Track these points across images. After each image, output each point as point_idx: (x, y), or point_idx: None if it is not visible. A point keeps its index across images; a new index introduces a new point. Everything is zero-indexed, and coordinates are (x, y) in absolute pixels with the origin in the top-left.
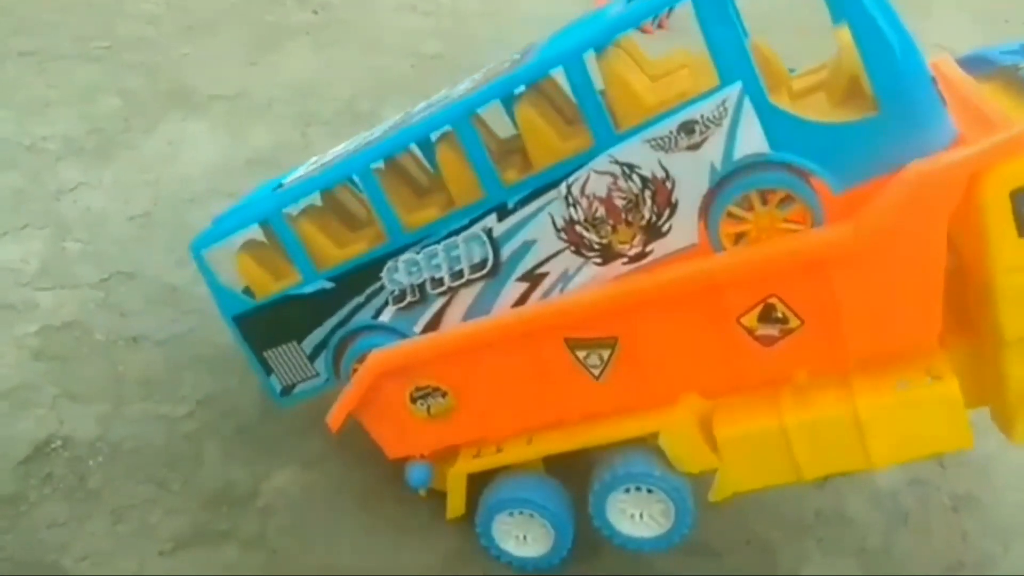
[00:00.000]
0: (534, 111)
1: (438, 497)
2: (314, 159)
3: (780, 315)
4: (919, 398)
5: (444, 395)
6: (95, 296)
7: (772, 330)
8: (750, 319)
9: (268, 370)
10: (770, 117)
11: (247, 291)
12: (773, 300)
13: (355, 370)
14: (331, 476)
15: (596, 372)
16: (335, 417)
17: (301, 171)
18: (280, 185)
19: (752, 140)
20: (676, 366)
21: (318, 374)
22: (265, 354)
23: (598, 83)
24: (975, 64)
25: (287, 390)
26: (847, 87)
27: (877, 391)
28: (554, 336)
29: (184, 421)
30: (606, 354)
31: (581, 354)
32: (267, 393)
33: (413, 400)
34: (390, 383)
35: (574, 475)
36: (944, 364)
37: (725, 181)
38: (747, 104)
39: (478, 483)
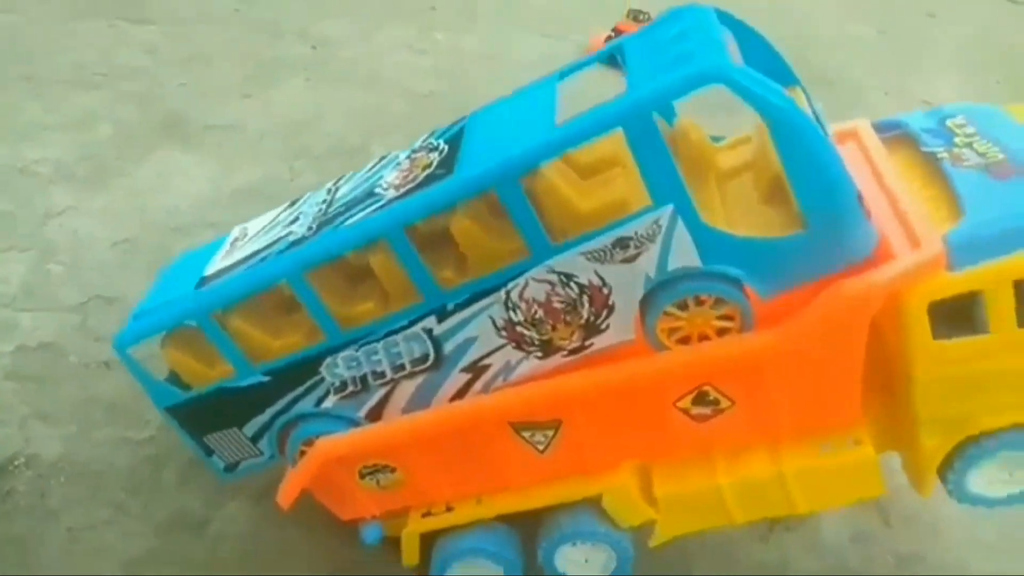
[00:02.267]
0: (470, 223)
1: (390, 543)
2: (238, 230)
3: (713, 399)
4: (840, 462)
5: (393, 471)
6: (73, 320)
7: (706, 410)
8: (685, 403)
9: (209, 452)
10: (702, 234)
11: (175, 380)
12: (707, 387)
13: (302, 452)
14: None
15: (541, 447)
16: (285, 497)
17: (225, 251)
18: (203, 279)
19: (685, 254)
20: (616, 441)
21: (262, 453)
22: (204, 439)
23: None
24: (892, 129)
25: (231, 467)
26: (773, 177)
27: (802, 455)
28: (500, 422)
29: (146, 445)
30: (551, 433)
31: (526, 434)
32: (211, 471)
33: (362, 476)
34: (338, 465)
35: (524, 522)
36: (863, 430)
37: (660, 288)
38: (679, 224)
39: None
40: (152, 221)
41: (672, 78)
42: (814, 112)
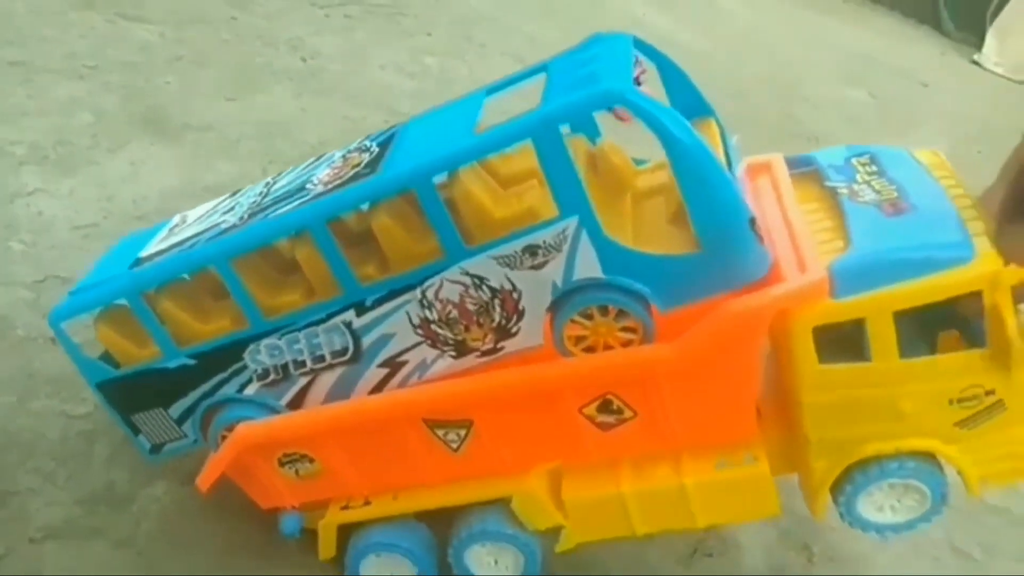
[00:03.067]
0: (389, 220)
1: (309, 534)
2: (178, 218)
3: (616, 407)
4: (736, 477)
5: (311, 461)
6: (26, 296)
7: (610, 418)
8: (590, 410)
9: (136, 431)
10: (604, 247)
11: (107, 358)
12: (610, 396)
13: (223, 437)
14: (211, 496)
15: (454, 446)
16: (204, 480)
17: (163, 235)
18: (138, 260)
19: (588, 265)
20: (527, 444)
21: (186, 436)
22: (132, 417)
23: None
24: (804, 165)
25: (156, 448)
26: (681, 201)
27: (701, 469)
28: (414, 418)
29: (81, 421)
30: (463, 432)
31: (440, 432)
32: (138, 450)
33: (281, 464)
34: (258, 452)
35: (441, 521)
36: (759, 447)
37: (566, 296)
38: (583, 235)
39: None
40: (118, 209)
41: (577, 96)
42: (725, 144)
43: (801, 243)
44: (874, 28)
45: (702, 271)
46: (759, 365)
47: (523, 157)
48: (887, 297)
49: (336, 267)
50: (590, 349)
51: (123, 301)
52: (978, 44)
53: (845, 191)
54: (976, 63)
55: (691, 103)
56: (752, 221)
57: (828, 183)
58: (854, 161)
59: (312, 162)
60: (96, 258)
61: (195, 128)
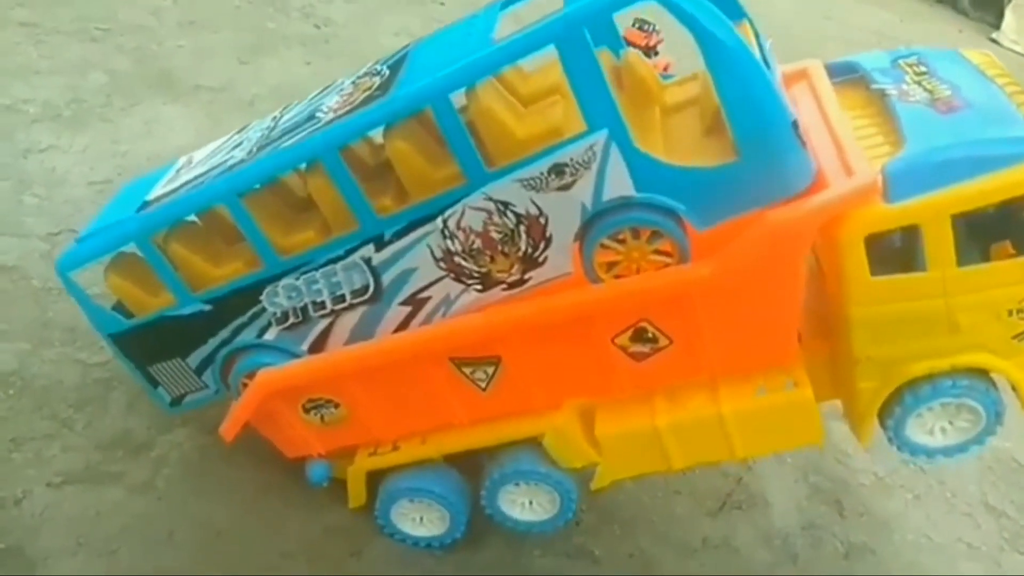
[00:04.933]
0: (405, 144)
1: (337, 482)
2: (184, 159)
3: (651, 335)
4: (778, 403)
5: (336, 406)
6: (41, 247)
7: (644, 348)
8: (623, 339)
9: (154, 383)
10: (636, 161)
11: (120, 308)
12: (644, 324)
13: (244, 384)
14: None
15: (482, 385)
16: (228, 429)
17: (169, 177)
18: (145, 203)
19: (620, 183)
20: (557, 379)
21: (207, 386)
22: (149, 369)
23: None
24: (845, 72)
25: (176, 401)
26: (716, 110)
27: (740, 396)
28: (440, 356)
29: (97, 368)
30: (491, 370)
31: (467, 370)
32: (156, 403)
33: (306, 411)
34: (281, 398)
35: (468, 462)
36: (801, 371)
37: (597, 218)
38: (614, 149)
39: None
40: (131, 165)
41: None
42: (760, 48)
43: (846, 148)
44: (891, 7)
45: (741, 182)
46: (802, 281)
47: (544, 74)
48: (945, 199)
49: (351, 198)
50: (622, 277)
51: (132, 247)
52: (995, 23)
53: (894, 92)
54: (994, 41)
55: (722, 7)
56: (794, 124)
57: (875, 85)
58: (901, 63)
59: (321, 91)
60: None
61: (208, 89)
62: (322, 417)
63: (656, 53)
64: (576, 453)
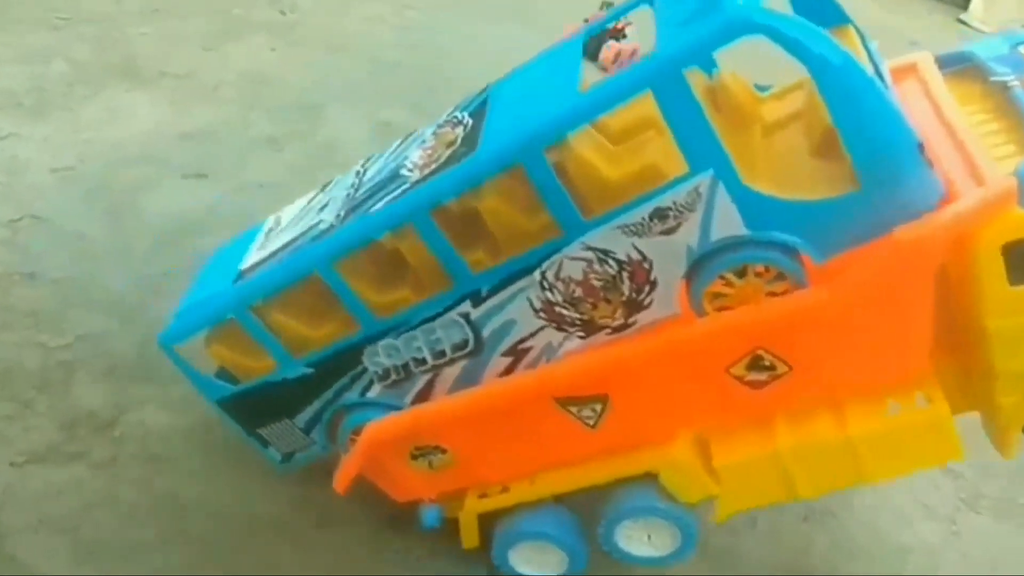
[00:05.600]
0: (496, 200)
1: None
2: (272, 220)
3: (768, 363)
4: (912, 421)
5: (444, 452)
6: (2, 233)
7: (761, 376)
8: (739, 369)
9: (264, 444)
10: (745, 200)
11: (223, 374)
12: (760, 352)
13: (352, 440)
14: (191, 419)
15: (591, 423)
16: (340, 482)
17: (260, 242)
18: (240, 272)
19: (729, 223)
20: (669, 412)
21: (315, 442)
22: (258, 431)
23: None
24: (958, 63)
25: (287, 458)
26: (825, 128)
27: (869, 417)
28: (544, 398)
29: (60, 351)
30: (599, 408)
31: (573, 409)
32: (269, 462)
33: (414, 457)
34: (388, 448)
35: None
36: (934, 386)
37: (705, 259)
38: (720, 190)
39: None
40: (95, 153)
41: (700, 33)
42: (868, 52)
43: (972, 152)
44: None
45: (863, 211)
46: (932, 297)
47: (633, 105)
48: None
49: (445, 258)
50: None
51: (231, 317)
52: (963, 3)
53: (1017, 83)
54: (962, 22)
55: (822, 9)
56: (920, 147)
57: (994, 77)
58: (1021, 49)
59: (400, 144)
60: (75, 200)
61: (172, 76)
62: (430, 463)
63: (624, 36)
64: (695, 486)
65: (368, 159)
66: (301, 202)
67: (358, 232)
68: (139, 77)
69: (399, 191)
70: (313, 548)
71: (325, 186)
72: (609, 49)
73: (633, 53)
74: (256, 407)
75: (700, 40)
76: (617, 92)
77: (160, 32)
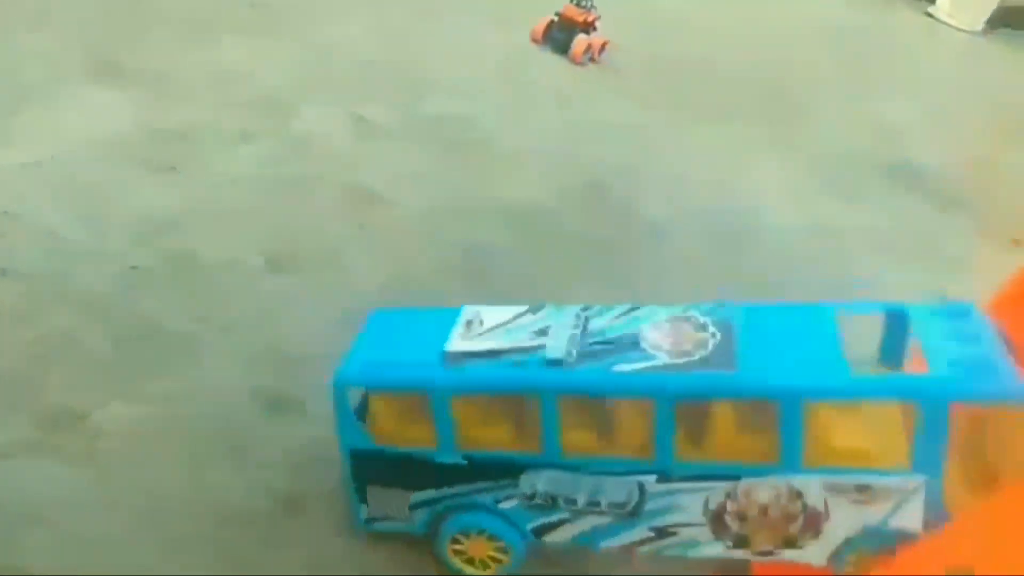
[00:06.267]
0: (728, 413)
1: (274, 445)
2: (471, 313)
3: None
4: None
5: None
6: None
7: None
8: None
9: (363, 499)
10: (935, 508)
11: (366, 423)
12: None
13: (453, 543)
14: (169, 414)
15: None
16: None
17: (462, 331)
18: (445, 354)
19: (911, 519)
20: None
21: (411, 521)
22: (368, 488)
23: None
24: None
25: (371, 521)
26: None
27: None
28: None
29: (33, 345)
30: None
31: None
32: (352, 514)
33: None
34: None
35: None
36: None
37: (873, 535)
38: (922, 494)
39: None
40: (67, 149)
41: (979, 386)
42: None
43: None
44: None
45: None
46: None
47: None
48: None
49: (662, 438)
50: None
51: (428, 394)
52: None
53: None
54: (929, 15)
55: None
56: None
57: None
58: None
59: (627, 310)
60: (45, 196)
61: (147, 75)
62: None
63: (595, 29)
64: None
65: (586, 307)
66: (507, 312)
67: (598, 383)
68: (114, 76)
69: (644, 364)
70: (289, 543)
71: (536, 309)
72: (579, 43)
73: (603, 47)
74: (387, 469)
75: (979, 394)
76: (886, 389)
77: (135, 31)
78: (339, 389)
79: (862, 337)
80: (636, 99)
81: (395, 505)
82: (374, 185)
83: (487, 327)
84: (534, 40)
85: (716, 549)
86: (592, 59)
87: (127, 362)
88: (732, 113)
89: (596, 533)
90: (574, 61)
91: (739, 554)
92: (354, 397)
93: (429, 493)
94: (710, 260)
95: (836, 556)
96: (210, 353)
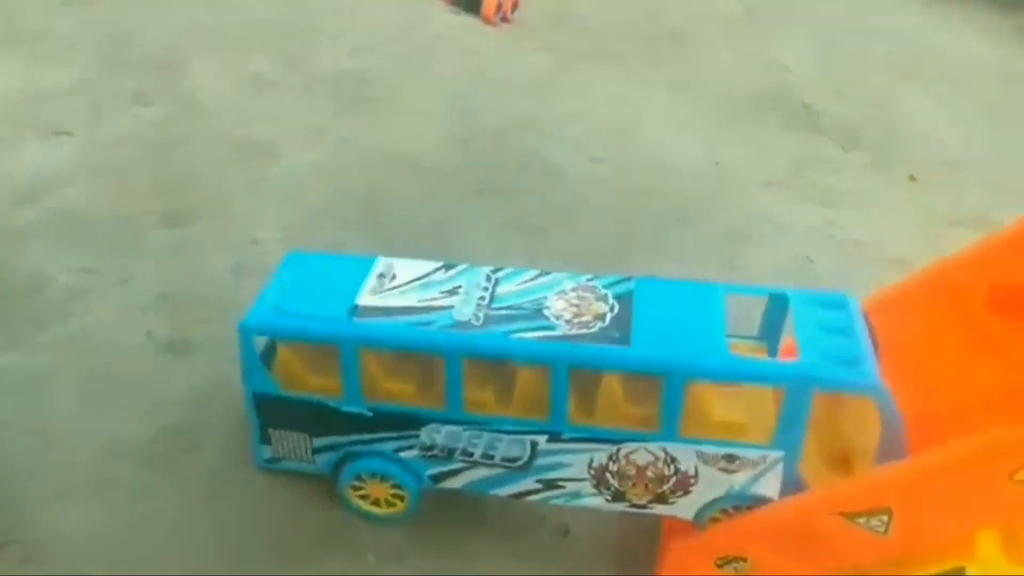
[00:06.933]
0: (617, 383)
1: (171, 385)
2: (383, 266)
3: None
4: None
5: (744, 560)
6: None
7: None
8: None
9: (266, 441)
10: (791, 479)
11: (271, 369)
12: None
13: (354, 485)
14: (62, 360)
15: (881, 531)
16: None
17: (373, 285)
18: (356, 307)
19: (769, 488)
20: (959, 518)
21: (313, 463)
22: (272, 430)
23: None
24: None
25: (274, 460)
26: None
27: None
28: (827, 514)
29: None
30: (885, 518)
31: (860, 520)
32: (253, 453)
33: (720, 566)
34: (697, 558)
35: None
36: None
37: (730, 497)
38: (780, 467)
39: None
40: None
41: (842, 377)
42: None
43: None
44: None
45: None
46: None
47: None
48: None
49: (556, 403)
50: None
51: (338, 346)
52: None
53: None
54: None
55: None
56: None
57: None
58: None
59: (533, 277)
60: None
61: (29, 35)
62: (735, 568)
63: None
64: None
65: (496, 269)
66: (421, 268)
67: (499, 348)
68: None
69: (544, 333)
70: (186, 477)
71: (450, 266)
72: (490, 2)
73: (515, 4)
74: (291, 414)
75: (841, 383)
76: (758, 374)
77: None
78: (246, 335)
79: (749, 313)
80: (541, 51)
81: (298, 448)
82: (270, 140)
83: (399, 282)
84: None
85: (596, 501)
86: (505, 18)
87: (16, 315)
88: (635, 61)
89: (488, 482)
90: (487, 21)
91: (616, 507)
92: (261, 342)
93: (333, 439)
94: (612, 202)
95: (700, 514)
96: (103, 303)
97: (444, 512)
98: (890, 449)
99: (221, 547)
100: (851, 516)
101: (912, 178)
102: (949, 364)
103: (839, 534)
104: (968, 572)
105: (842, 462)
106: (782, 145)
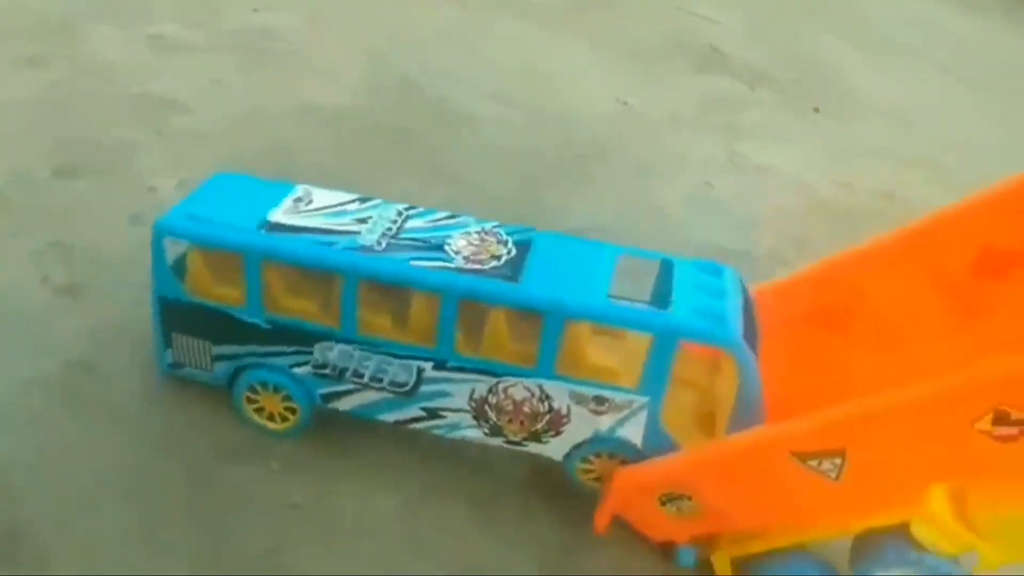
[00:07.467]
0: (504, 317)
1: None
2: (302, 191)
3: (1015, 419)
4: None
5: (689, 499)
6: None
7: (1011, 430)
8: (984, 424)
9: (169, 345)
10: (653, 428)
11: (176, 271)
12: (1004, 408)
13: (248, 397)
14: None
15: (832, 475)
16: (599, 523)
17: (288, 207)
18: (267, 222)
19: (633, 433)
20: (914, 466)
21: (211, 372)
22: (174, 335)
23: None
24: None
25: (176, 366)
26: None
27: None
28: (780, 453)
29: None
30: (838, 460)
31: (812, 463)
32: (156, 358)
33: (663, 503)
34: (639, 493)
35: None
36: None
37: (596, 440)
38: (644, 413)
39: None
40: None
41: (706, 330)
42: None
43: None
44: None
45: None
46: None
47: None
48: None
49: (444, 331)
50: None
51: (244, 256)
52: None
53: None
54: None
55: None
56: None
57: None
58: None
59: (445, 217)
60: None
61: None
62: (678, 508)
63: None
64: (950, 539)
65: (409, 208)
66: (337, 196)
67: (396, 273)
68: None
69: (441, 263)
70: (88, 404)
71: (364, 200)
72: None
73: None
74: (193, 319)
75: (703, 335)
76: (631, 320)
77: None
78: (158, 237)
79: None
80: (453, 3)
81: (198, 355)
82: (172, 94)
83: (314, 207)
84: None
85: (476, 434)
86: None
87: None
88: (548, 12)
89: (375, 407)
90: None
91: (494, 441)
92: (175, 248)
93: (232, 348)
94: (525, 145)
95: (569, 456)
96: None
97: (339, 423)
98: (746, 407)
99: (131, 465)
100: (804, 457)
101: (816, 110)
102: (925, 326)
103: (789, 476)
104: (912, 528)
105: (710, 422)
106: (691, 86)
